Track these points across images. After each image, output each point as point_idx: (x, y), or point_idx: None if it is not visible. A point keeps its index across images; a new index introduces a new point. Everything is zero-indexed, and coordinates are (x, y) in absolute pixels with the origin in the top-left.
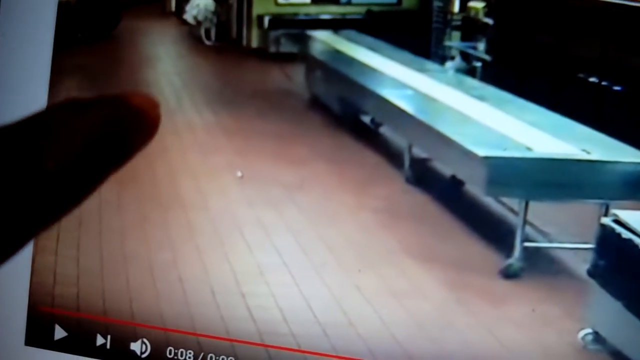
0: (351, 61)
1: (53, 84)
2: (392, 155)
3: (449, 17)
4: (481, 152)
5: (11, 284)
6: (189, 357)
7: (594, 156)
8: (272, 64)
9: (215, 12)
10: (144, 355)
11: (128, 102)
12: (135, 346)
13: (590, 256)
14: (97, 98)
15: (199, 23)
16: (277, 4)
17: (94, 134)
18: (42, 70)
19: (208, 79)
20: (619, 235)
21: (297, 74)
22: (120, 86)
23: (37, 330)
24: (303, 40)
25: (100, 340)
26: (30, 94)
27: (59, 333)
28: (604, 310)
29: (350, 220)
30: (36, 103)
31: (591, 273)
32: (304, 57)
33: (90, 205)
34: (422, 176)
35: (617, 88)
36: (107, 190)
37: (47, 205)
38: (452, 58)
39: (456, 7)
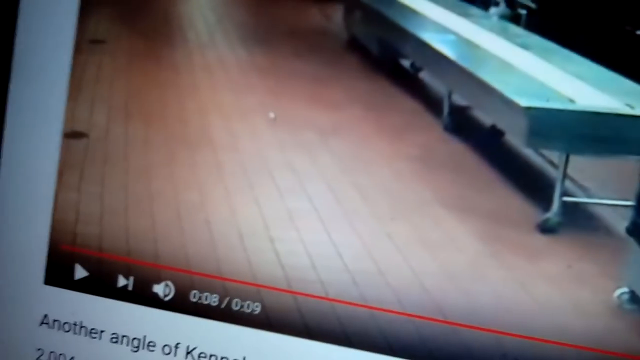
0: (392, 2)
1: (81, 17)
2: (430, 102)
3: None
4: (523, 101)
5: (32, 221)
6: (214, 302)
7: (637, 111)
8: (310, 2)
9: None
10: (167, 298)
11: None
12: (159, 288)
13: (629, 213)
14: None
15: None
16: None
17: None
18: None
19: (243, 16)
20: None
21: (336, 14)
22: (151, 19)
23: (57, 269)
24: None
25: (122, 282)
26: (58, 23)
27: (80, 273)
28: None
29: (384, 168)
30: (64, 34)
31: (630, 231)
32: None
33: (116, 142)
34: (461, 125)
35: None
36: (134, 127)
37: None
38: (497, 4)
39: None
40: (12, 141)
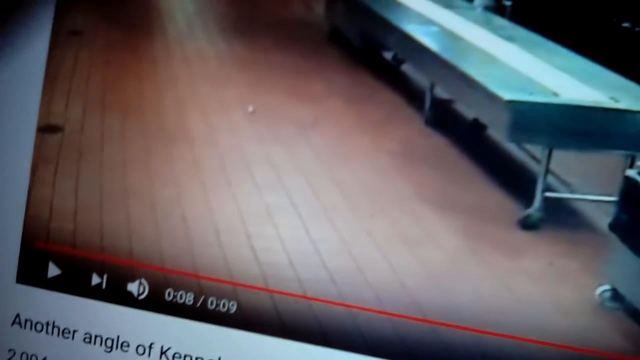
0: None
1: (59, 7)
2: (412, 95)
3: None
4: (506, 95)
5: (5, 218)
6: (189, 300)
7: (622, 105)
8: None
9: None
10: (141, 297)
11: None
12: (133, 287)
13: (612, 209)
14: None
15: None
16: None
17: None
18: None
19: (222, 7)
20: None
21: (318, 5)
22: (129, 10)
23: (30, 267)
24: None
25: (95, 280)
26: (34, 13)
27: (53, 271)
28: (624, 266)
29: (364, 163)
30: (41, 25)
31: (613, 227)
32: None
33: (91, 135)
34: (443, 118)
35: None
36: (110, 121)
37: None
38: None
39: None
40: None
